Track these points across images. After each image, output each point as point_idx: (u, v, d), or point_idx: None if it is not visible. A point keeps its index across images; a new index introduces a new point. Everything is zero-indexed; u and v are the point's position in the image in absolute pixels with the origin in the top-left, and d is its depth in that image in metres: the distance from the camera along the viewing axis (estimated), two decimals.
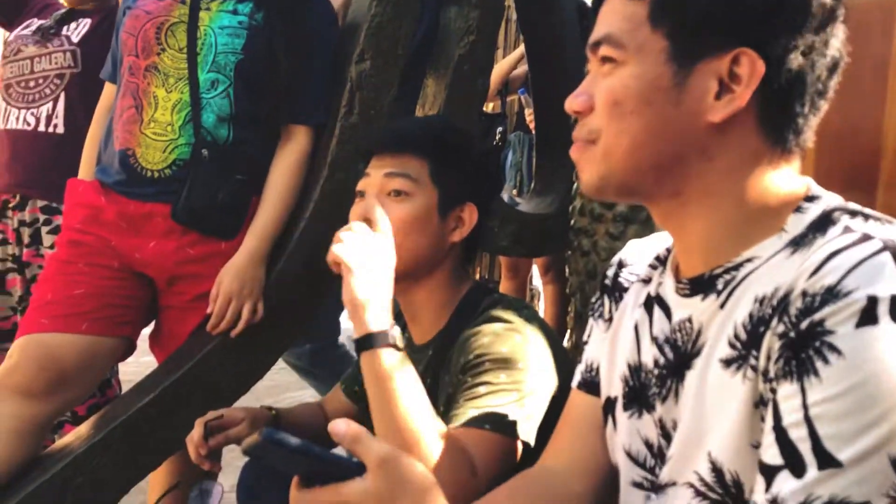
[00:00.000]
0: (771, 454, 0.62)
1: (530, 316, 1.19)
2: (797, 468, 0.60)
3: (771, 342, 0.64)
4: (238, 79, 1.60)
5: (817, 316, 0.61)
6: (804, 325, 0.61)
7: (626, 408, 0.84)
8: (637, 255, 0.94)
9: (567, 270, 1.90)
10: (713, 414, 0.70)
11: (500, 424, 1.05)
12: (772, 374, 0.64)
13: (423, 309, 1.29)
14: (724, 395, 0.69)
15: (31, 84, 2.05)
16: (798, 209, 0.72)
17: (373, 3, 1.69)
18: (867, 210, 0.71)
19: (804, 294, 0.62)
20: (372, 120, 1.69)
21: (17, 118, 2.04)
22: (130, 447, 1.52)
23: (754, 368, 0.66)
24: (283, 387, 3.63)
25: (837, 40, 0.72)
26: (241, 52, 1.60)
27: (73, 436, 1.56)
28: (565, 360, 1.21)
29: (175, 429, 1.54)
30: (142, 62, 1.60)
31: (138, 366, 1.80)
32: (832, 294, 0.61)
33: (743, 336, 0.68)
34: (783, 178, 0.73)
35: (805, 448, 0.60)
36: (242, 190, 1.63)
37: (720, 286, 0.73)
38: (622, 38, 0.73)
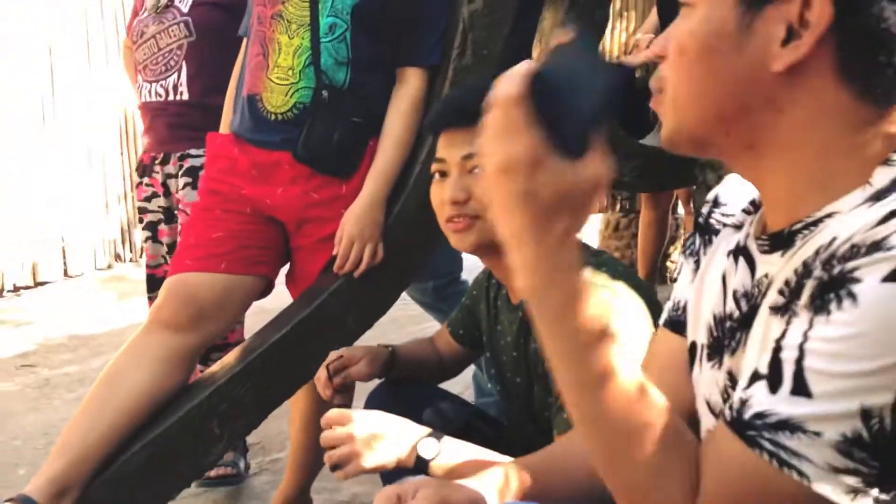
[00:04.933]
0: (763, 361, 0.64)
1: (614, 271, 1.19)
2: (774, 384, 0.62)
3: (811, 287, 0.63)
4: (354, 23, 1.64)
5: (850, 264, 0.59)
6: (836, 270, 0.60)
7: (709, 358, 0.82)
8: (733, 195, 0.89)
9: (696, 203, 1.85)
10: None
11: None
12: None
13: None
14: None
15: (159, 59, 2.26)
16: (887, 161, 0.67)
17: None
18: None
19: (852, 244, 0.60)
20: (485, 60, 1.69)
21: (150, 91, 2.28)
22: (267, 376, 1.64)
23: (795, 314, 0.64)
24: (406, 320, 3.73)
25: None
26: None
27: (219, 366, 1.71)
28: (656, 306, 1.20)
29: (306, 360, 1.64)
30: (268, 11, 1.69)
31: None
32: (875, 247, 0.58)
33: (793, 283, 0.66)
34: (877, 133, 0.67)
35: (788, 370, 0.61)
36: (359, 132, 1.68)
37: (798, 243, 0.69)
38: None
